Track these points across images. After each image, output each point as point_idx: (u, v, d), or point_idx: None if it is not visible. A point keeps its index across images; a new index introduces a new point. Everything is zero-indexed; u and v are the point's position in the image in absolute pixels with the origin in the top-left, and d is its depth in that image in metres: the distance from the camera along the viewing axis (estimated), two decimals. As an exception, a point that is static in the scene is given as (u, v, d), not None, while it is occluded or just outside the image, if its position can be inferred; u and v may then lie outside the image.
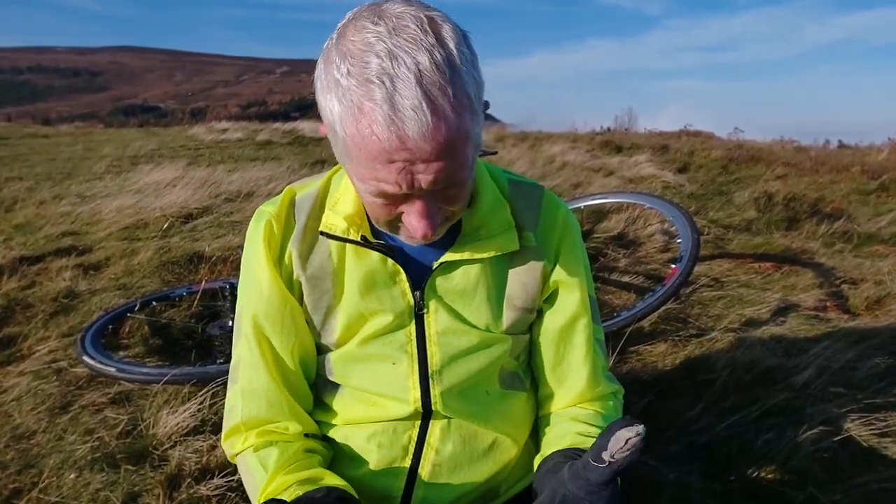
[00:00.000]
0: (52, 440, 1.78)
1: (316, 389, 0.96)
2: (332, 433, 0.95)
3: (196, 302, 2.61)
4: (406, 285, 0.88)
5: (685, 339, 2.43)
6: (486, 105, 0.76)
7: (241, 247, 1.01)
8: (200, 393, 1.90)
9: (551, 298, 0.95)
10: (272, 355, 0.90)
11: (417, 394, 0.89)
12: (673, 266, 2.57)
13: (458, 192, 0.77)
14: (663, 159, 6.78)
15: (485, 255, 0.88)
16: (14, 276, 2.95)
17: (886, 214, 4.70)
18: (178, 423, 1.77)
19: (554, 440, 0.93)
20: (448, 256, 0.87)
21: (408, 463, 0.91)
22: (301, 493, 0.79)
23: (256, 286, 0.90)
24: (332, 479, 0.84)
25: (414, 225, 0.76)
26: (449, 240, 0.87)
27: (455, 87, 0.67)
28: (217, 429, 1.77)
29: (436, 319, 0.89)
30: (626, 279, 3.16)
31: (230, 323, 2.39)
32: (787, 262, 3.60)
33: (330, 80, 0.69)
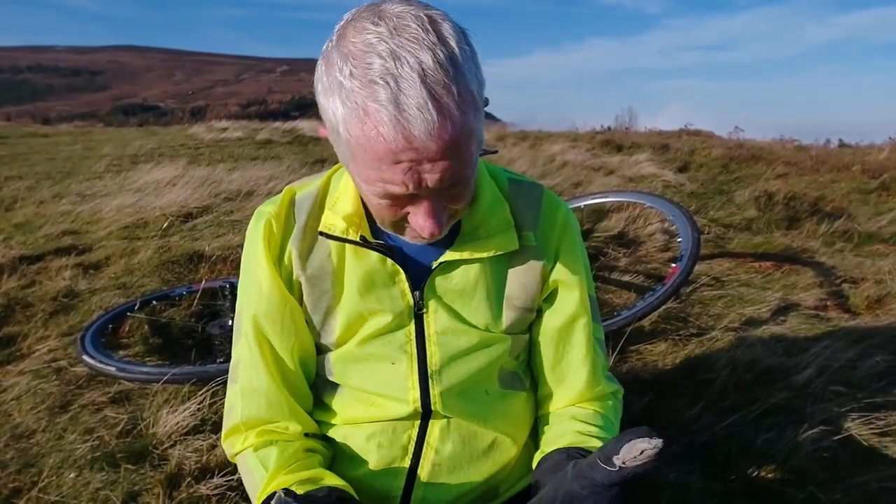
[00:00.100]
0: (51, 439, 1.78)
1: (315, 389, 0.96)
2: (331, 433, 0.95)
3: (196, 301, 2.61)
4: (405, 285, 0.88)
5: (685, 338, 2.43)
6: (486, 102, 0.75)
7: (240, 246, 1.01)
8: (200, 392, 1.90)
9: (551, 298, 0.95)
10: (272, 355, 0.90)
11: (417, 394, 0.88)
12: (673, 265, 2.57)
13: (463, 191, 0.77)
14: (664, 158, 6.77)
15: (484, 255, 0.88)
16: (14, 276, 2.95)
17: (887, 213, 4.70)
18: (177, 423, 1.77)
19: (553, 439, 0.93)
20: (447, 256, 0.87)
21: (407, 463, 0.91)
22: (302, 493, 0.79)
23: (256, 286, 0.90)
24: (333, 480, 0.84)
25: (421, 224, 0.76)
26: (448, 239, 0.87)
27: (459, 85, 0.67)
28: (217, 428, 1.77)
29: (435, 319, 0.89)
30: (626, 278, 3.16)
31: (230, 322, 2.39)
32: (787, 262, 3.60)
33: (332, 82, 0.69)
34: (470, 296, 0.90)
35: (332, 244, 0.88)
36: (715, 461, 1.71)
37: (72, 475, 1.61)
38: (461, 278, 0.89)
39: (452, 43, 0.67)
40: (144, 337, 2.38)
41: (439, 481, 0.91)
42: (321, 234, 0.88)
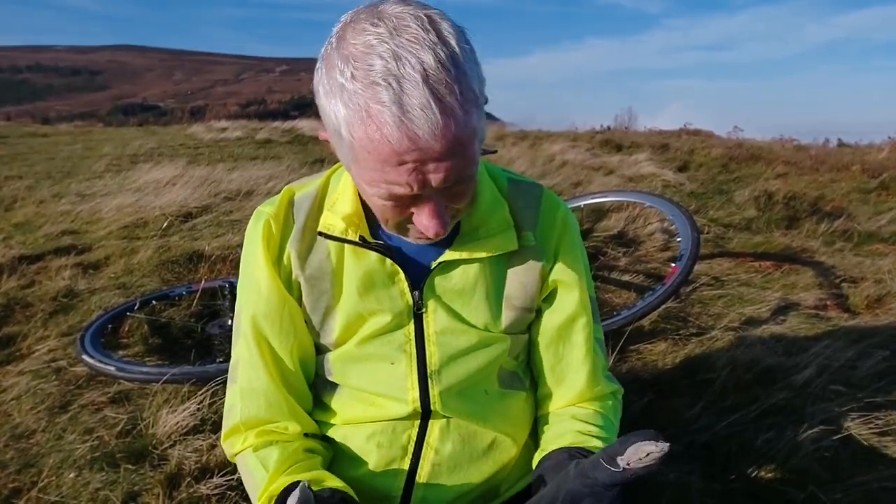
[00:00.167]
0: (51, 439, 1.77)
1: (315, 389, 0.96)
2: (331, 433, 0.94)
3: (195, 301, 2.60)
4: (405, 285, 0.88)
5: (685, 337, 2.43)
6: (485, 100, 0.76)
7: (240, 245, 1.01)
8: (200, 392, 1.90)
9: (550, 298, 0.95)
10: (271, 355, 0.90)
11: (416, 393, 0.88)
12: (673, 265, 2.57)
13: (466, 189, 0.77)
14: (663, 158, 6.77)
15: (483, 255, 0.88)
16: (13, 275, 2.95)
17: (886, 213, 4.70)
18: (177, 423, 1.77)
19: (554, 438, 0.93)
20: (447, 256, 0.87)
21: (407, 463, 0.91)
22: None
23: (255, 286, 0.89)
24: (334, 482, 0.84)
25: (425, 224, 0.76)
26: (447, 239, 0.86)
27: (461, 84, 0.67)
28: (217, 428, 1.77)
29: (434, 319, 0.89)
30: (625, 278, 3.16)
31: (230, 322, 2.39)
32: (787, 261, 3.60)
33: (333, 85, 0.69)
34: (469, 296, 0.90)
35: (331, 244, 0.88)
36: (715, 461, 1.71)
37: (71, 475, 1.61)
38: (460, 278, 0.89)
39: (452, 42, 0.67)
40: (144, 337, 2.38)
41: (439, 481, 0.91)
42: (320, 234, 0.87)
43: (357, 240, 0.86)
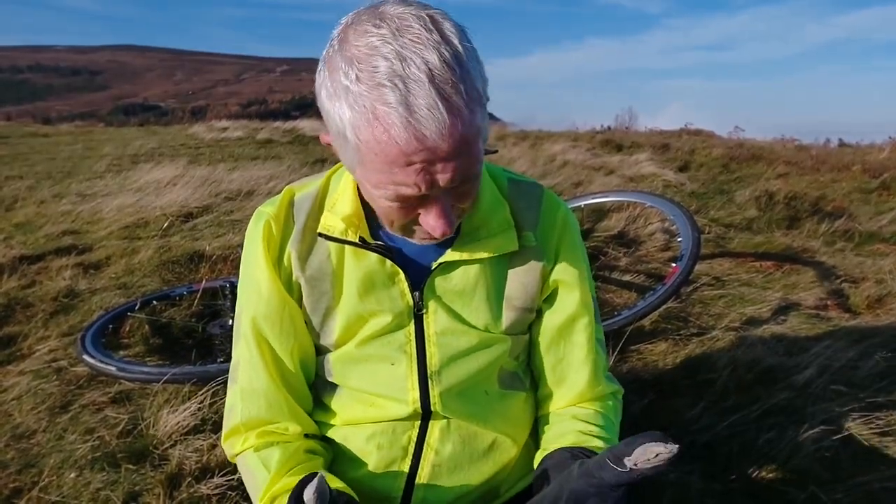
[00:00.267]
0: (52, 439, 1.78)
1: (315, 390, 0.96)
2: (331, 434, 0.94)
3: (196, 301, 2.61)
4: (405, 286, 0.88)
5: (686, 338, 2.43)
6: (487, 99, 0.76)
7: (241, 245, 1.01)
8: (201, 392, 1.90)
9: (551, 298, 0.95)
10: (271, 356, 0.90)
11: (416, 394, 0.88)
12: (674, 265, 2.57)
13: (472, 188, 0.77)
14: (664, 158, 6.77)
15: (484, 255, 0.88)
16: (14, 275, 2.95)
17: (887, 213, 4.70)
18: (178, 423, 1.77)
19: (555, 438, 0.93)
20: (447, 256, 0.87)
21: (407, 463, 0.91)
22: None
23: (255, 287, 0.89)
24: (335, 483, 0.84)
25: (432, 225, 0.76)
26: (448, 240, 0.86)
27: (466, 83, 0.66)
28: (217, 428, 1.77)
29: (435, 320, 0.89)
30: (626, 278, 3.16)
31: (230, 322, 2.39)
32: (788, 261, 3.59)
33: (337, 87, 0.68)
34: (470, 296, 0.90)
35: (332, 245, 0.88)
36: (716, 461, 1.71)
37: (72, 475, 1.61)
38: (461, 279, 0.89)
39: (455, 41, 0.67)
40: (145, 337, 2.38)
41: (439, 482, 0.91)
42: (320, 235, 0.87)
43: (357, 241, 0.86)
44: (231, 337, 0.96)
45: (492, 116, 0.76)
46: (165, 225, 3.79)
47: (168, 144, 8.35)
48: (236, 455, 0.91)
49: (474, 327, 0.90)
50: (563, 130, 10.22)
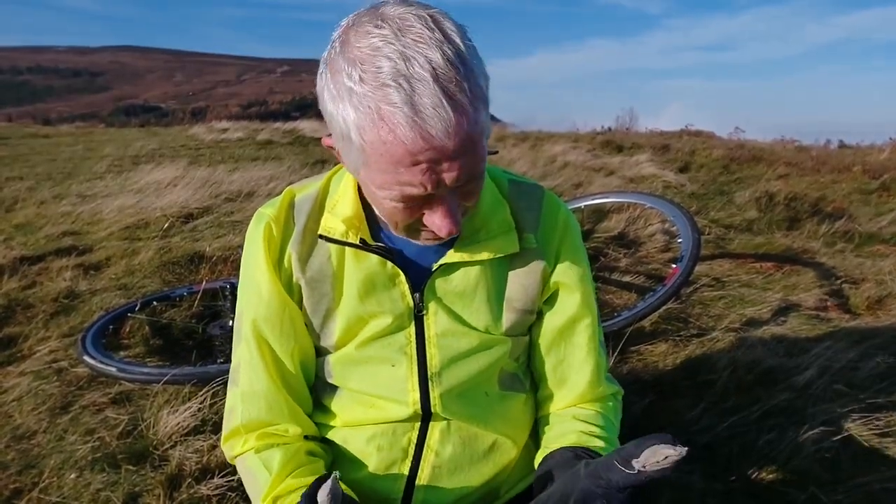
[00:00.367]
0: (52, 440, 1.78)
1: (315, 392, 0.96)
2: (331, 435, 0.94)
3: (196, 302, 2.61)
4: (405, 287, 0.88)
5: (686, 339, 2.43)
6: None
7: (241, 247, 1.01)
8: (201, 393, 1.90)
9: (551, 300, 0.95)
10: (272, 358, 0.90)
11: (417, 396, 0.88)
12: (674, 266, 2.57)
13: (476, 187, 0.77)
14: (664, 159, 6.77)
15: (485, 257, 0.87)
16: (14, 276, 2.95)
17: (887, 214, 4.69)
18: (178, 423, 1.77)
19: (556, 437, 0.93)
20: (448, 258, 0.87)
21: (407, 465, 0.91)
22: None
23: (256, 289, 0.89)
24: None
25: (438, 224, 0.75)
26: (448, 241, 0.86)
27: (469, 81, 0.67)
28: (217, 428, 1.77)
29: (435, 321, 0.89)
30: (626, 279, 3.16)
31: (231, 323, 2.39)
32: (788, 262, 3.59)
33: (341, 89, 0.68)
34: (470, 298, 0.90)
35: (332, 247, 0.88)
36: (716, 462, 1.71)
37: (72, 476, 1.61)
38: (461, 280, 0.89)
39: (457, 40, 0.67)
40: (145, 338, 2.38)
41: (439, 484, 0.91)
42: (321, 237, 0.87)
43: (358, 242, 0.86)
44: (231, 338, 0.96)
45: (492, 117, 0.76)
46: (166, 226, 3.79)
47: (168, 145, 8.35)
48: (236, 457, 0.91)
49: (475, 329, 0.90)
50: (563, 131, 10.23)
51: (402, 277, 0.88)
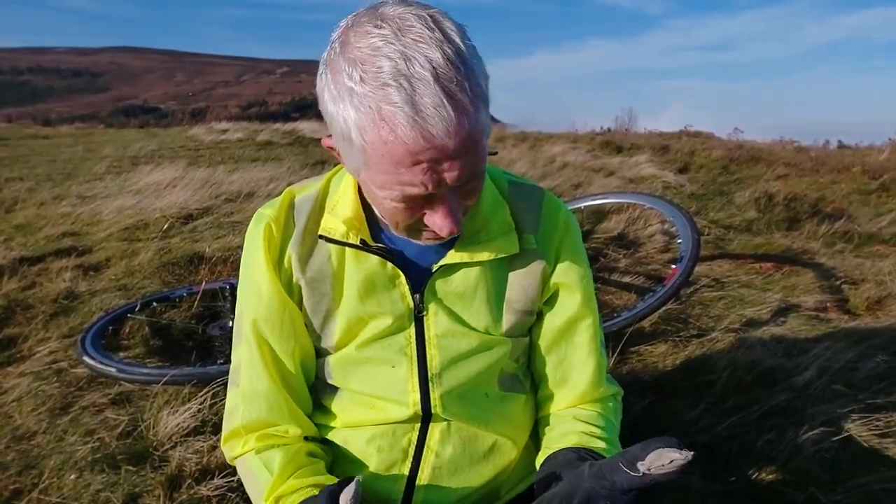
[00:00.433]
0: (52, 441, 1.77)
1: (315, 392, 0.96)
2: (331, 436, 0.94)
3: (196, 302, 2.61)
4: (406, 288, 0.88)
5: (686, 339, 2.43)
6: None
7: (241, 247, 1.01)
8: (201, 393, 1.90)
9: (552, 300, 0.95)
10: (272, 358, 0.90)
11: (417, 397, 0.88)
12: (673, 266, 2.57)
13: (477, 186, 0.77)
14: (664, 159, 6.77)
15: (485, 258, 0.88)
16: (14, 277, 2.95)
17: (887, 214, 4.70)
18: (178, 424, 1.77)
19: (558, 438, 0.93)
20: (448, 259, 0.87)
21: (407, 466, 0.91)
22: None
23: (256, 290, 0.89)
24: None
25: (439, 224, 0.75)
26: (449, 242, 0.86)
27: (470, 80, 0.67)
28: (217, 429, 1.77)
29: (435, 322, 0.89)
30: (626, 279, 3.16)
31: (230, 323, 2.39)
32: (787, 263, 3.59)
33: (341, 89, 0.68)
34: (470, 299, 0.90)
35: (332, 247, 0.88)
36: (716, 462, 1.71)
37: (72, 477, 1.61)
38: (461, 281, 0.89)
39: (457, 39, 0.67)
40: (145, 338, 2.38)
41: (440, 484, 0.91)
42: (321, 237, 0.87)
43: (358, 243, 0.86)
44: (231, 339, 0.96)
45: (492, 118, 0.76)
46: (165, 227, 3.79)
47: (168, 146, 8.35)
48: (236, 458, 0.91)
49: (475, 330, 0.90)
50: (562, 132, 10.23)
51: (403, 278, 0.88)
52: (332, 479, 0.85)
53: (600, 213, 3.98)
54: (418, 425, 0.90)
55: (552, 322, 0.95)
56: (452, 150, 0.67)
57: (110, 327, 2.38)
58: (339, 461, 0.94)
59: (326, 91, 0.71)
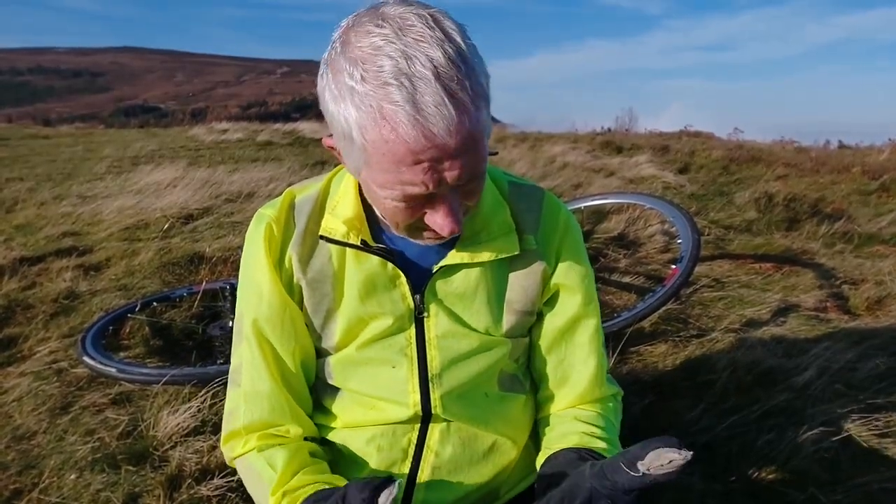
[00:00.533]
0: (52, 441, 1.78)
1: (315, 393, 0.96)
2: (331, 436, 0.95)
3: (196, 302, 2.61)
4: (406, 289, 0.88)
5: (686, 339, 2.43)
6: None
7: (241, 247, 1.01)
8: (201, 393, 1.90)
9: (552, 301, 0.95)
10: (273, 358, 0.90)
11: (417, 397, 0.88)
12: (673, 266, 2.57)
13: (478, 186, 0.77)
14: (664, 160, 6.78)
15: (485, 259, 0.88)
16: (14, 277, 2.95)
17: (887, 215, 4.70)
18: (178, 424, 1.77)
19: (558, 438, 0.93)
20: (449, 259, 0.87)
21: (407, 466, 0.91)
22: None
23: (257, 290, 0.89)
24: (341, 483, 0.84)
25: (440, 224, 0.75)
26: (449, 243, 0.86)
27: (471, 79, 0.67)
28: (217, 429, 1.77)
29: (436, 323, 0.89)
30: (626, 280, 3.16)
31: (230, 323, 2.39)
32: (787, 263, 3.59)
33: (342, 89, 0.68)
34: (470, 299, 0.90)
35: (333, 248, 0.88)
36: (716, 462, 1.71)
37: (72, 476, 1.61)
38: (462, 282, 0.89)
39: (458, 38, 0.68)
40: (145, 338, 2.38)
41: (439, 484, 0.91)
42: (322, 237, 0.87)
43: (359, 243, 0.86)
44: (231, 338, 0.96)
45: (492, 118, 0.76)
46: (166, 227, 3.79)
47: (168, 146, 8.35)
48: (235, 458, 0.91)
49: (475, 330, 0.90)
50: (562, 132, 10.23)
51: (403, 279, 0.88)
52: (338, 479, 0.85)
53: (600, 214, 3.99)
54: (418, 425, 0.90)
55: (553, 322, 0.95)
56: (453, 148, 0.67)
57: (110, 327, 2.39)
58: (338, 461, 0.94)
59: (327, 90, 0.71)
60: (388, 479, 0.70)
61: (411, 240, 0.84)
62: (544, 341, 0.96)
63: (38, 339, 2.41)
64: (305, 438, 0.92)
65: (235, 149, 8.17)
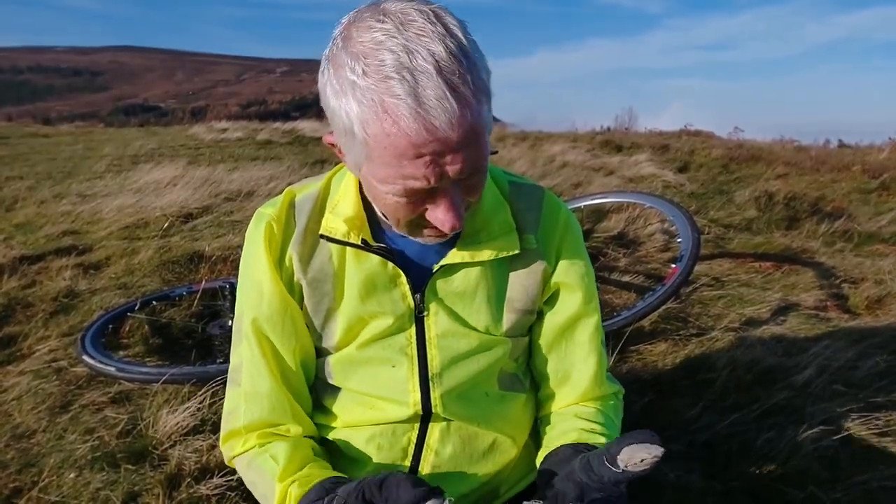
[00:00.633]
0: (52, 439, 1.78)
1: (315, 392, 0.96)
2: (331, 435, 0.94)
3: (196, 301, 2.61)
4: (406, 288, 0.88)
5: (685, 338, 2.43)
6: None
7: (241, 246, 1.01)
8: (200, 392, 1.90)
9: (552, 300, 0.95)
10: (274, 357, 0.89)
11: (417, 396, 0.88)
12: (673, 265, 2.57)
13: (479, 181, 0.77)
14: (664, 159, 6.77)
15: (485, 258, 0.87)
16: (14, 276, 2.95)
17: (887, 213, 4.70)
18: (177, 423, 1.77)
19: (558, 436, 0.93)
20: (449, 259, 0.87)
21: (407, 465, 0.91)
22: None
23: (257, 288, 0.89)
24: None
25: (441, 219, 0.75)
26: (449, 242, 0.86)
27: (472, 74, 0.67)
28: (217, 428, 1.77)
29: (436, 322, 0.89)
30: (626, 278, 3.16)
31: (230, 322, 2.39)
32: (787, 262, 3.60)
33: (344, 83, 0.68)
34: (471, 298, 0.90)
35: (333, 247, 0.88)
36: (715, 461, 1.71)
37: (72, 475, 1.61)
38: (462, 281, 0.89)
39: (459, 33, 0.68)
40: (144, 337, 2.38)
41: (439, 483, 0.91)
42: (322, 237, 0.87)
43: (359, 243, 0.86)
44: (230, 337, 0.96)
45: (492, 117, 0.76)
46: (165, 225, 3.79)
47: (168, 145, 8.35)
48: (235, 457, 0.91)
49: (475, 329, 0.90)
50: (562, 131, 10.23)
51: (403, 278, 0.88)
52: (344, 478, 0.85)
53: (600, 213, 3.99)
54: (418, 425, 0.90)
55: (553, 321, 0.95)
56: (455, 142, 0.67)
57: (110, 326, 2.39)
58: (338, 461, 0.94)
59: (329, 86, 0.71)
60: (435, 490, 0.68)
61: (412, 238, 0.84)
62: (544, 340, 0.96)
63: (37, 337, 2.41)
64: (305, 437, 0.92)
65: (235, 147, 8.16)
